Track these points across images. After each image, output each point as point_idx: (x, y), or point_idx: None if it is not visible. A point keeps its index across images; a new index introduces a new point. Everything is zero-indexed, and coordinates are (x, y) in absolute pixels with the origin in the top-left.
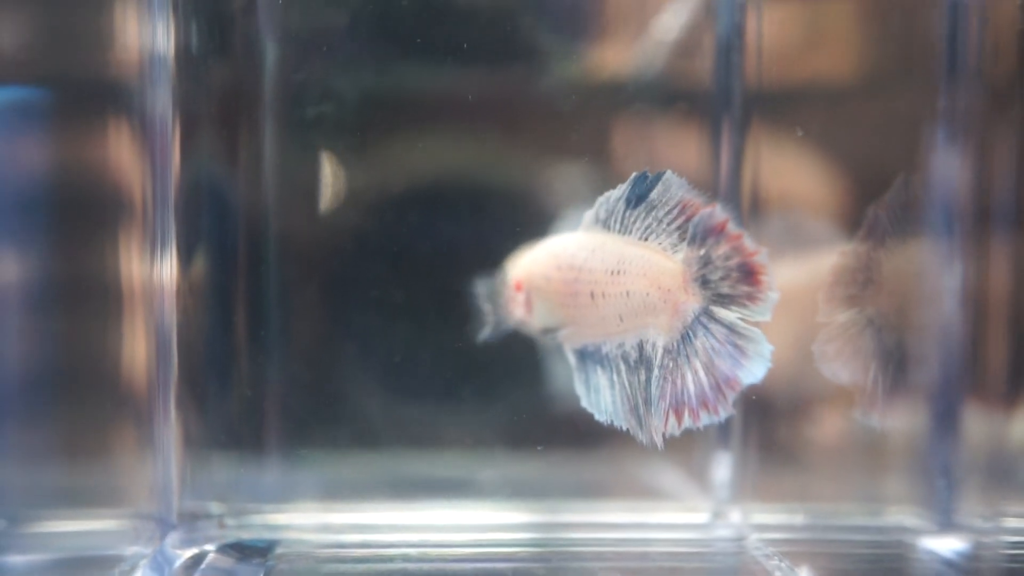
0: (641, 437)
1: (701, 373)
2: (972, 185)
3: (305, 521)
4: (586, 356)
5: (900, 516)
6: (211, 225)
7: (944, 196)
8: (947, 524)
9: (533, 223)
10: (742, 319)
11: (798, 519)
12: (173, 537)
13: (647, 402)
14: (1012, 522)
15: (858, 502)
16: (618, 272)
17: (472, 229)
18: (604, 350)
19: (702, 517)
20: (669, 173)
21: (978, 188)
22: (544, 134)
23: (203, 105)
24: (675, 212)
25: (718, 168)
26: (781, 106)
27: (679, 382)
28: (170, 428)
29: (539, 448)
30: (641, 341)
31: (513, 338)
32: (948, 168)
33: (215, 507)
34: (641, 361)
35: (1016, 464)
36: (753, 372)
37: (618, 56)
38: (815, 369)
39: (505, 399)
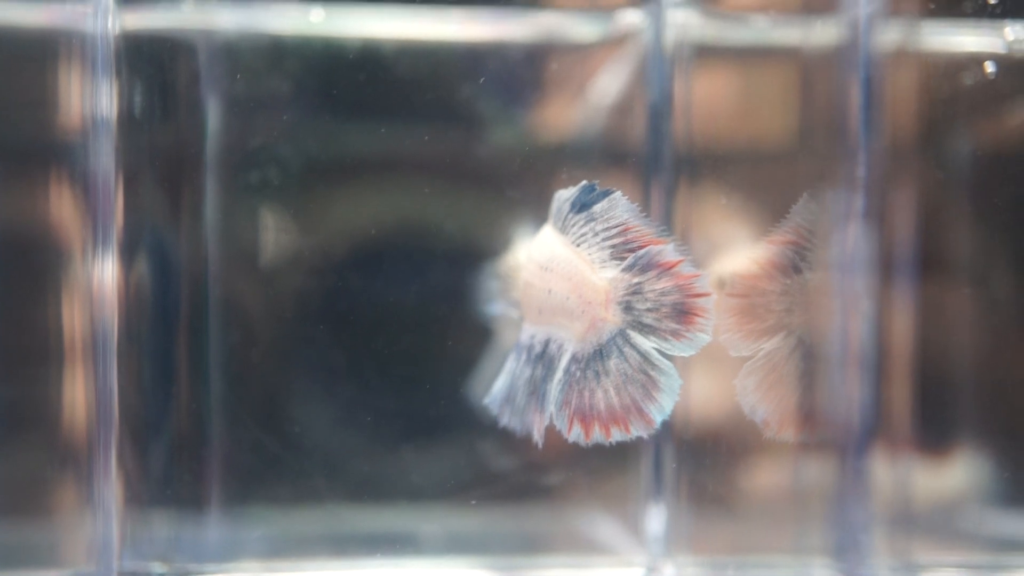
0: (510, 426)
1: (612, 393)
2: (881, 239)
3: None
4: (514, 343)
5: (818, 568)
6: (154, 285)
7: (856, 250)
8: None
9: (474, 284)
10: (658, 350)
11: (729, 573)
12: None
13: (535, 396)
14: (922, 573)
15: (786, 553)
16: (546, 268)
17: (413, 292)
18: (521, 338)
19: (637, 572)
20: (618, 194)
21: (885, 242)
22: (484, 198)
23: (146, 167)
24: (613, 231)
25: None
26: (708, 170)
27: (587, 395)
28: (111, 486)
29: (472, 503)
30: (549, 339)
31: (452, 395)
32: (861, 226)
33: (156, 567)
34: (542, 358)
35: (923, 514)
36: (662, 407)
37: (557, 120)
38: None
39: (445, 455)
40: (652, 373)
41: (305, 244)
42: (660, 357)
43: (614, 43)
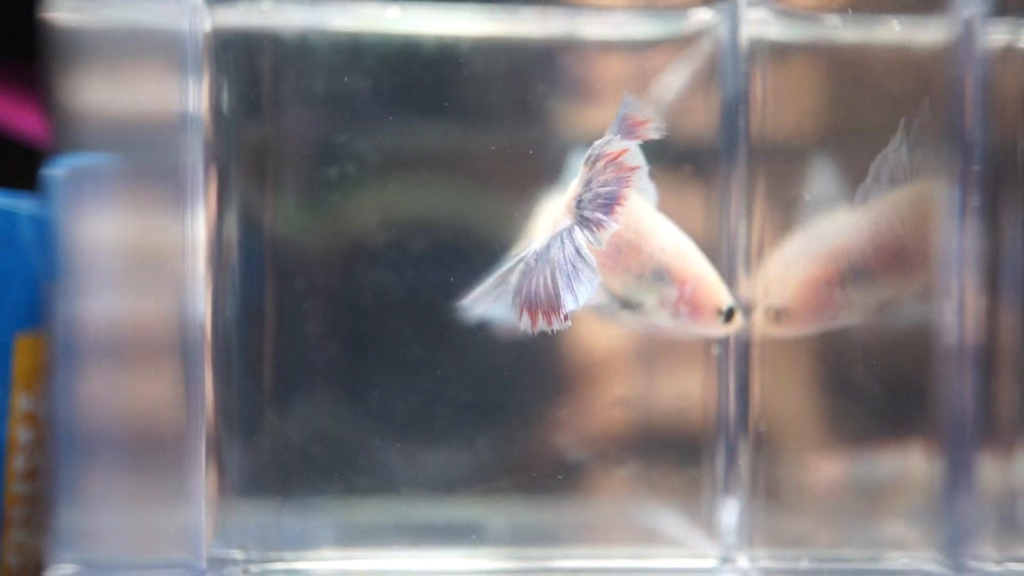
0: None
1: (549, 281)
2: (981, 239)
3: (324, 567)
4: None
5: (910, 560)
6: (240, 278)
7: (953, 250)
8: (959, 568)
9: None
10: (589, 243)
11: (803, 564)
12: None
13: (496, 284)
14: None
15: (860, 547)
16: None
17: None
18: None
19: (710, 562)
20: (626, 98)
21: (987, 243)
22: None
23: (232, 159)
24: (614, 126)
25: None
26: (786, 164)
27: (532, 283)
28: (200, 479)
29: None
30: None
31: (527, 388)
32: (955, 223)
33: (238, 554)
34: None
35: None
36: (577, 295)
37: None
38: None
39: (517, 448)
40: (579, 265)
41: (385, 238)
42: (588, 251)
43: (685, 40)
